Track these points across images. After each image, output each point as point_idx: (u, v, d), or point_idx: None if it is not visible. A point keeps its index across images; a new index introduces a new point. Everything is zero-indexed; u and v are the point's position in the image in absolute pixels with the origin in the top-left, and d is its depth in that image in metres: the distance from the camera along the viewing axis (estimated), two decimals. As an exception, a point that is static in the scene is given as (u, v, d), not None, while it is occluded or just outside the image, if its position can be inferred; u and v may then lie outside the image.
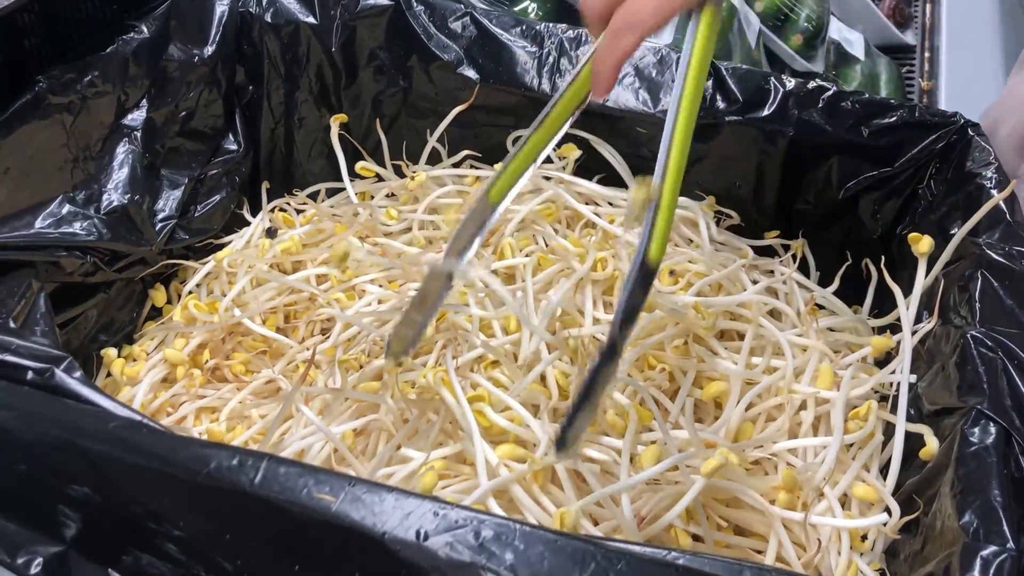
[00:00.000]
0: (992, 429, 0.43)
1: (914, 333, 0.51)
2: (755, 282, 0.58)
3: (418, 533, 0.30)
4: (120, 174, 0.61)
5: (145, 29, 0.62)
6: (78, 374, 0.42)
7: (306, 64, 0.69)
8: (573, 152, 0.64)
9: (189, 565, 0.34)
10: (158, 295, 0.65)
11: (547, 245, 0.62)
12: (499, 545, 0.29)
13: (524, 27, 0.66)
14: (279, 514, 0.32)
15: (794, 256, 0.62)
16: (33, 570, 0.36)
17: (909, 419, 0.48)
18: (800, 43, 1.03)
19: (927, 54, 1.16)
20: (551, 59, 0.65)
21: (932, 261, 0.53)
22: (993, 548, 0.37)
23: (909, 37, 1.23)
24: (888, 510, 0.46)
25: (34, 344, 0.44)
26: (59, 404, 0.36)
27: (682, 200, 0.63)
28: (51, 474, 0.36)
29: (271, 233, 0.69)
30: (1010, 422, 0.43)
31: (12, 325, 0.49)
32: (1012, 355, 0.45)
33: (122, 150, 0.61)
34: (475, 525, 0.30)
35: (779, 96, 0.61)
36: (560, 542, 0.29)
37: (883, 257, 0.58)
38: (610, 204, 0.65)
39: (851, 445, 0.49)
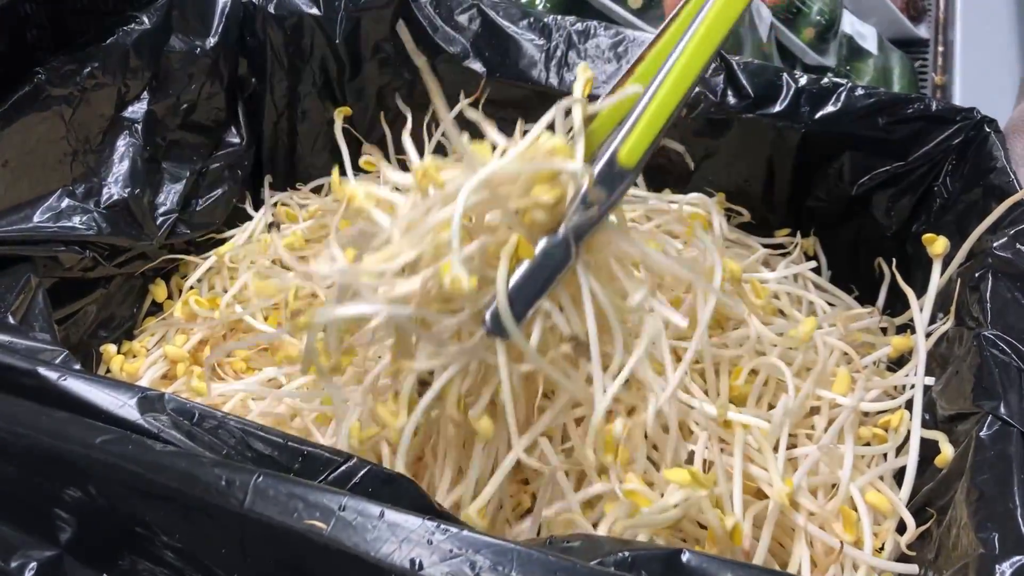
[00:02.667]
0: (1009, 434, 0.42)
1: (928, 335, 0.50)
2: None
3: (412, 562, 0.29)
4: (120, 167, 0.60)
5: (146, 20, 0.61)
6: (74, 367, 0.42)
7: (310, 56, 0.68)
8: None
9: (187, 573, 0.34)
10: (158, 290, 0.64)
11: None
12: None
13: (532, 19, 0.65)
14: (273, 535, 0.31)
15: (806, 254, 0.61)
16: (27, 574, 0.35)
17: (924, 425, 0.47)
18: (812, 37, 1.02)
19: (940, 48, 1.14)
20: (559, 52, 0.63)
21: (949, 261, 0.52)
22: (1012, 559, 0.36)
23: (923, 31, 1.21)
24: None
25: (31, 341, 0.44)
26: (48, 414, 0.35)
27: (693, 196, 0.62)
28: (44, 480, 0.35)
29: (273, 227, 0.68)
30: (1028, 427, 0.41)
31: (11, 321, 0.48)
32: (1026, 358, 0.44)
33: (122, 143, 0.60)
34: (470, 555, 0.29)
35: (791, 92, 0.60)
36: (559, 575, 0.29)
37: (897, 256, 0.57)
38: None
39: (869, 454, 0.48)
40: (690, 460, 0.45)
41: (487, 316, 0.39)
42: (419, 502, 0.34)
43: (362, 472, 0.34)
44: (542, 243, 0.39)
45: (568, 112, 0.42)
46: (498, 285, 0.38)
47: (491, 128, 0.40)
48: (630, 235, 0.42)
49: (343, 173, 0.68)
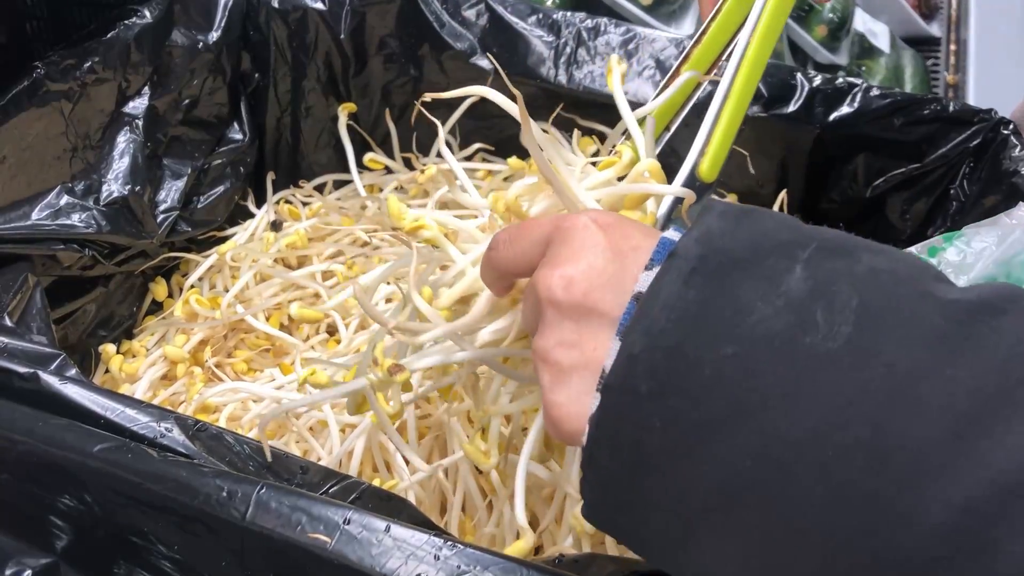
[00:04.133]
0: None
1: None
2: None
3: (418, 578, 0.28)
4: (120, 164, 0.59)
5: (147, 13, 0.60)
6: (71, 372, 0.41)
7: (314, 51, 0.67)
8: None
9: (183, 584, 0.33)
10: (159, 289, 0.63)
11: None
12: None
13: (540, 16, 0.63)
14: (274, 547, 0.30)
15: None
16: (21, 583, 0.35)
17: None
18: (824, 34, 1.00)
19: (953, 47, 1.13)
20: (568, 49, 0.62)
21: (966, 266, 0.51)
22: None
23: (935, 29, 1.20)
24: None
25: (27, 343, 0.43)
26: (44, 421, 0.35)
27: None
28: (41, 487, 0.34)
29: (276, 226, 0.67)
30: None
31: (7, 322, 0.47)
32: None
33: (123, 139, 0.59)
34: (478, 571, 0.28)
35: (805, 92, 0.59)
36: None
37: (912, 260, 0.55)
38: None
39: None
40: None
41: None
42: (417, 520, 0.33)
43: (360, 488, 0.33)
44: None
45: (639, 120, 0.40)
46: None
47: (582, 143, 0.39)
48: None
49: (346, 170, 0.67)
